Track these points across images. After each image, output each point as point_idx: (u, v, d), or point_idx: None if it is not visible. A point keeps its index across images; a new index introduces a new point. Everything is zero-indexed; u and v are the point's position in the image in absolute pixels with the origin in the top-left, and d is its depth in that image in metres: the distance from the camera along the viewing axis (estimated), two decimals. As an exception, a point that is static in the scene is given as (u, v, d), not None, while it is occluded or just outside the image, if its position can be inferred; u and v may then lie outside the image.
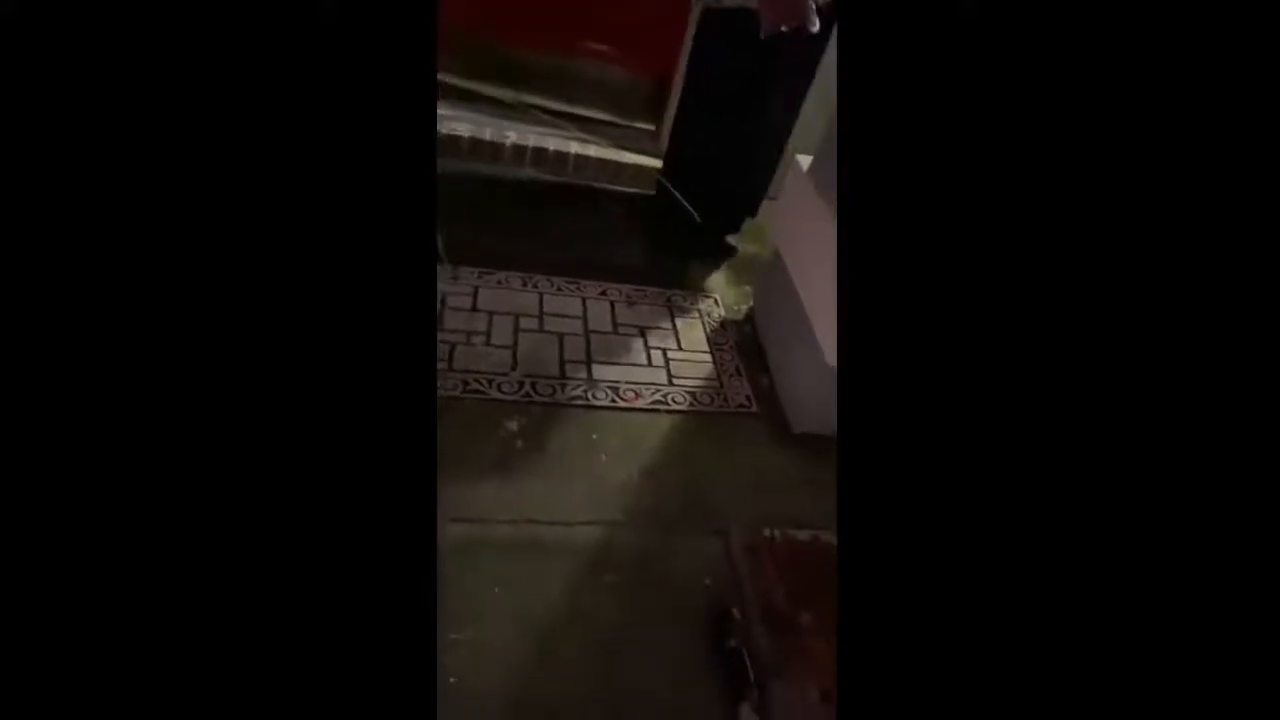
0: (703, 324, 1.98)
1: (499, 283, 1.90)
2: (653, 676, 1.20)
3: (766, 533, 1.41)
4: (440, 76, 2.36)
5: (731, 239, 2.30)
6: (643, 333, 1.88)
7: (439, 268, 1.87)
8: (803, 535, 1.41)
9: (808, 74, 2.01)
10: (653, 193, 2.35)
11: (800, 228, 1.75)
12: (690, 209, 1.36)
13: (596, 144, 2.41)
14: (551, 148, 2.34)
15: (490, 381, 1.62)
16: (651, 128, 2.53)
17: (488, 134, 2.29)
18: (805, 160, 1.80)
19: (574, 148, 2.37)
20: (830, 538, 1.41)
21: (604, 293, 1.97)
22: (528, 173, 2.37)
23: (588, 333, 1.82)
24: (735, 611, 1.27)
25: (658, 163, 2.38)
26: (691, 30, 2.12)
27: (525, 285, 1.92)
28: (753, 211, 2.26)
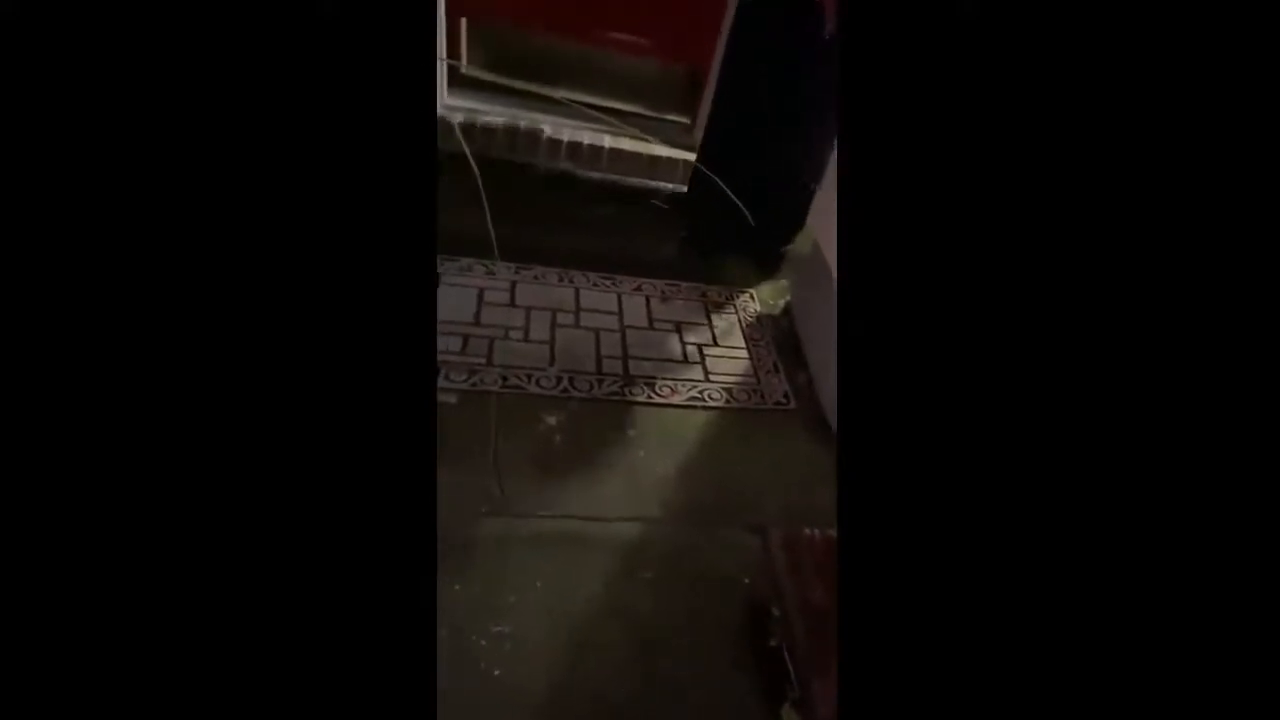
0: (739, 320, 1.97)
1: (535, 277, 1.91)
2: (691, 674, 1.20)
3: (806, 531, 1.39)
4: (469, 69, 2.38)
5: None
6: (679, 328, 1.88)
7: (484, 262, 1.89)
8: (843, 534, 1.40)
9: None
10: (685, 188, 2.33)
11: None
12: (741, 205, 1.33)
13: (630, 137, 2.40)
14: (586, 141, 2.34)
15: (529, 376, 1.63)
16: (686, 120, 2.51)
17: (522, 125, 2.30)
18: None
19: (607, 141, 2.36)
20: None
21: (639, 288, 1.97)
22: (564, 165, 2.38)
23: (624, 328, 1.82)
24: (774, 609, 1.26)
25: (691, 156, 2.36)
26: (729, 19, 2.09)
27: (561, 280, 1.92)
28: (801, 222, 2.11)
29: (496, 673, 1.13)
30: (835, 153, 2.00)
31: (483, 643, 1.16)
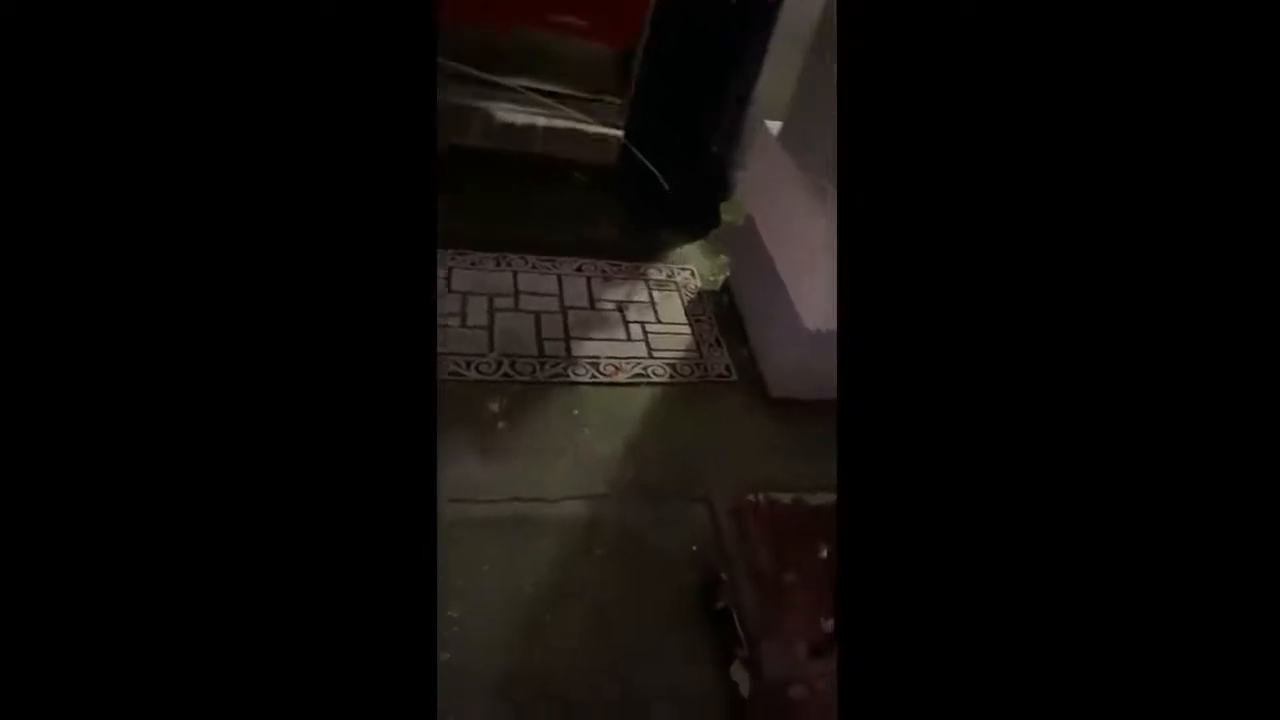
0: (680, 296, 1.98)
1: (472, 264, 1.88)
2: (644, 643, 1.22)
3: (750, 497, 1.43)
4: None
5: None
6: (620, 307, 1.88)
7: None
8: (785, 498, 1.43)
9: (765, 38, 1.98)
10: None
11: (773, 194, 1.75)
12: (658, 174, 1.34)
13: (564, 116, 2.37)
14: (519, 121, 2.30)
15: (468, 363, 1.61)
16: (620, 100, 2.50)
17: (454, 102, 2.24)
18: (774, 126, 1.79)
19: (540, 121, 2.32)
20: (812, 499, 1.44)
21: (579, 269, 1.96)
22: (497, 144, 2.33)
23: (565, 310, 1.82)
24: (722, 575, 1.30)
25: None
26: (654, -3, 2.08)
27: (499, 265, 1.90)
28: (725, 193, 2.17)
29: (446, 656, 1.12)
30: (748, 123, 2.04)
31: (432, 630, 1.15)
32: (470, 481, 1.37)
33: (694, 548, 1.37)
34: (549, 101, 1.79)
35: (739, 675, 1.19)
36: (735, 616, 1.23)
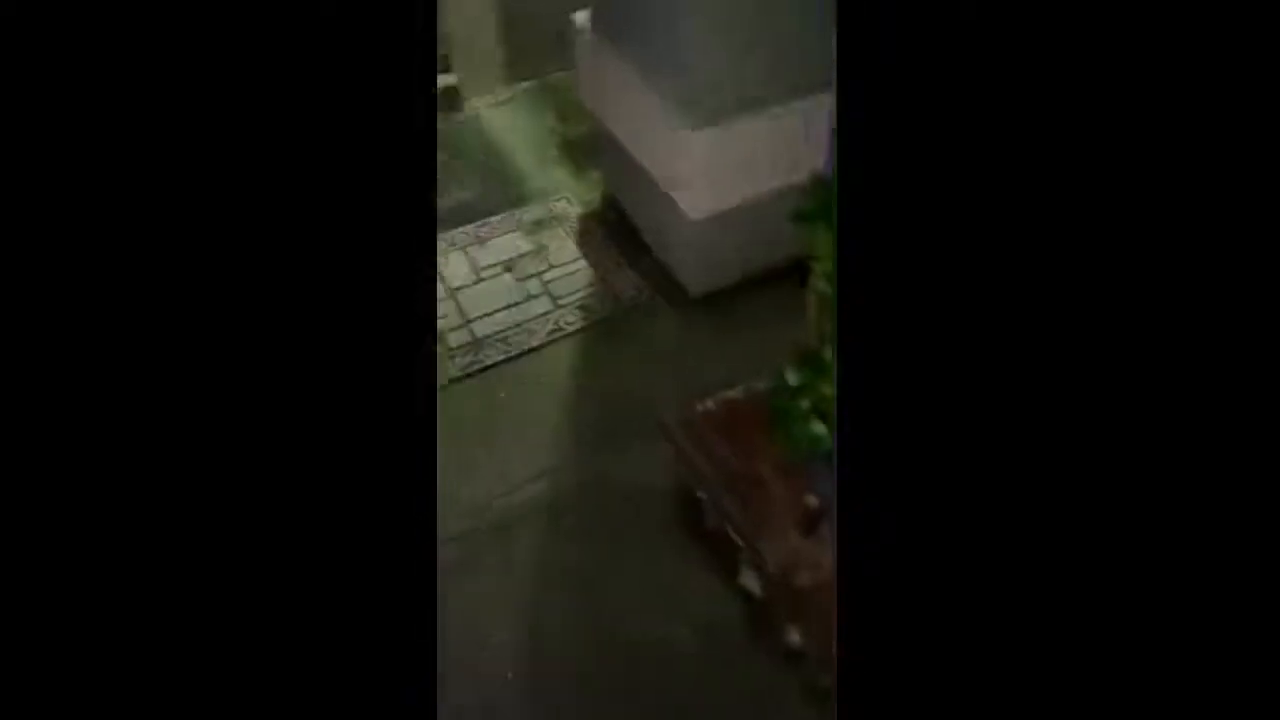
0: (564, 230, 1.86)
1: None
2: (646, 589, 1.21)
3: (699, 406, 1.39)
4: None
5: None
6: (508, 267, 1.75)
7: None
8: (734, 393, 1.40)
9: None
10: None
11: (611, 90, 1.60)
12: None
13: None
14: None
15: (375, 389, 1.50)
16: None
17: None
18: (581, 16, 1.61)
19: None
20: (760, 385, 1.41)
21: (452, 242, 1.81)
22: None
23: (453, 293, 1.69)
24: (700, 493, 1.28)
25: (453, 80, 2.11)
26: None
27: (367, 273, 1.74)
28: None
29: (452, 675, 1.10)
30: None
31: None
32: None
33: (664, 479, 1.35)
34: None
35: (749, 580, 1.20)
36: (728, 527, 1.23)
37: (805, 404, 1.01)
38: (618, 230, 1.84)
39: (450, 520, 1.29)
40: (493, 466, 1.38)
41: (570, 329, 1.62)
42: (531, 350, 1.57)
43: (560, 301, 1.67)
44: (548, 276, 1.73)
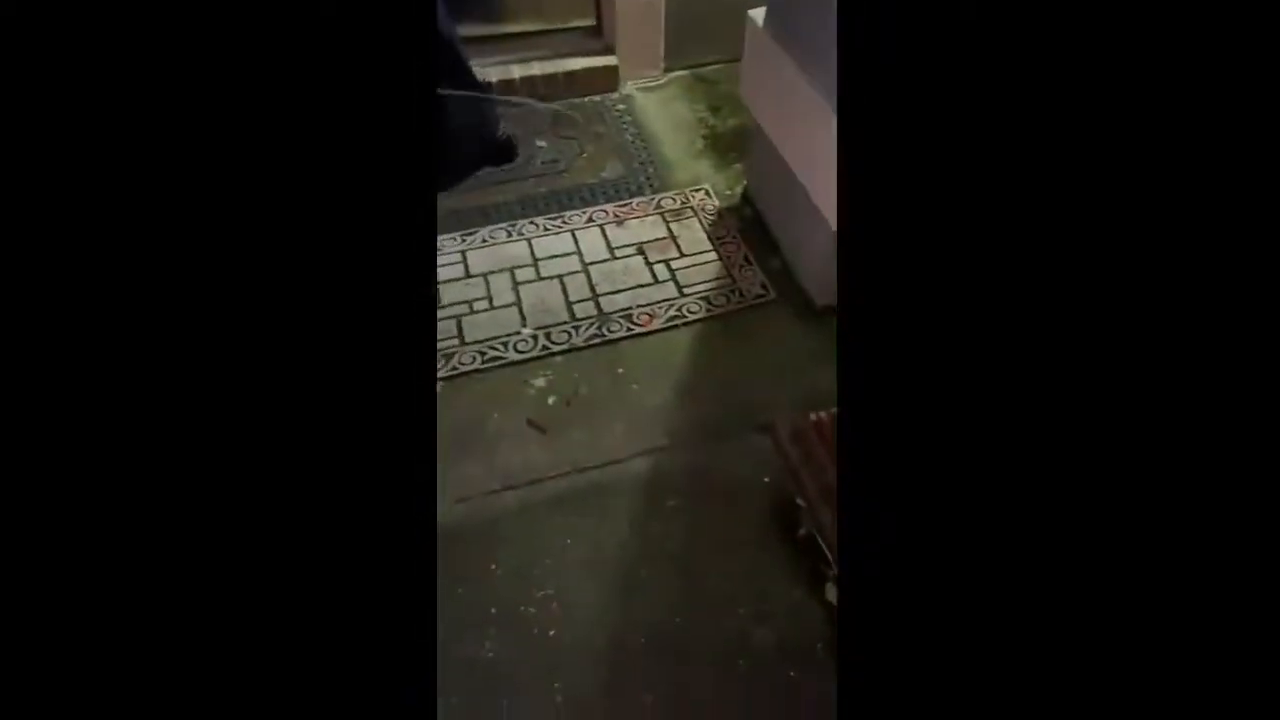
0: (700, 220, 1.89)
1: (484, 240, 1.84)
2: (732, 583, 1.24)
3: (812, 416, 1.40)
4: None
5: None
6: (641, 250, 1.81)
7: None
8: (848, 410, 1.40)
9: None
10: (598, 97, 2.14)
11: (773, 90, 1.60)
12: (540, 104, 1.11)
13: (539, 58, 2.23)
14: (495, 77, 2.18)
15: (505, 344, 1.61)
16: (590, 22, 2.32)
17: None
18: (758, 14, 1.61)
19: (516, 71, 2.20)
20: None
21: (590, 219, 1.89)
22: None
23: (586, 267, 1.77)
24: (798, 500, 1.29)
25: (614, 60, 2.19)
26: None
27: (510, 235, 1.85)
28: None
29: (552, 633, 1.18)
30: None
31: (532, 610, 1.21)
32: (532, 463, 1.40)
33: (765, 479, 1.37)
34: (512, 49, 1.58)
35: (833, 595, 1.20)
36: (819, 538, 1.23)
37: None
38: (751, 228, 1.86)
39: (552, 476, 1.38)
40: (600, 435, 1.45)
41: (691, 318, 1.66)
42: (651, 332, 1.63)
43: (685, 290, 1.72)
44: (676, 265, 1.78)
